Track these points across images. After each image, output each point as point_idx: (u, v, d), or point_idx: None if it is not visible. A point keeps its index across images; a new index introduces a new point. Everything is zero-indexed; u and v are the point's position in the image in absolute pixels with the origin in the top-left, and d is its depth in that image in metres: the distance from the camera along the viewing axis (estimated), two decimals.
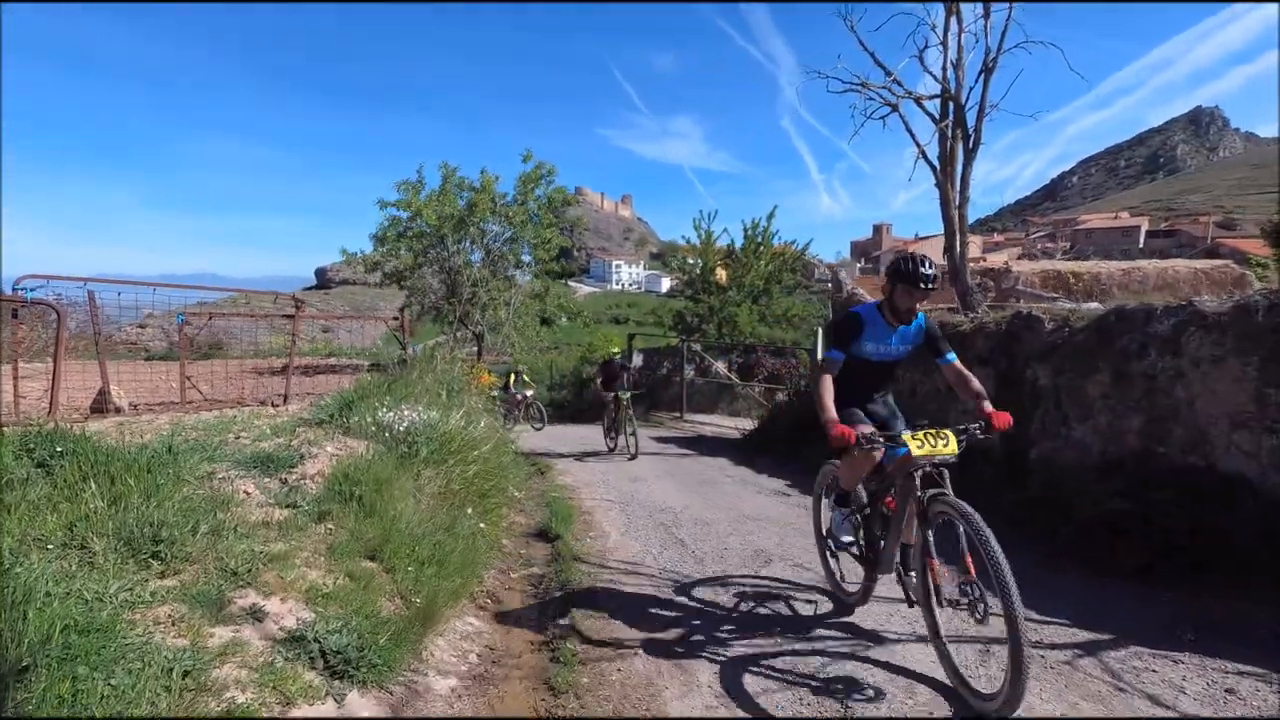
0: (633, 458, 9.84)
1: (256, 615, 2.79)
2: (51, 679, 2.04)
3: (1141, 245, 64.26)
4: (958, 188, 10.82)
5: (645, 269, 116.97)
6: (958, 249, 10.97)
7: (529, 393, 15.95)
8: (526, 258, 20.48)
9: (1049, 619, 3.81)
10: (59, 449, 3.43)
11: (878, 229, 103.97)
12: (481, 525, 4.70)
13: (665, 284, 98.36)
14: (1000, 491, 6.60)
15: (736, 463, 10.46)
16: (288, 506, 3.68)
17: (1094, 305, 7.62)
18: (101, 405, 6.05)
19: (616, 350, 12.16)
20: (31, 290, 5.56)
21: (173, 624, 2.58)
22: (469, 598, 4.03)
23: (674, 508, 7.01)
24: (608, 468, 9.92)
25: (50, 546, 2.82)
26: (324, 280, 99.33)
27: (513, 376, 16.04)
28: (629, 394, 10.31)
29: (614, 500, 7.48)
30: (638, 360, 16.29)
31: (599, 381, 11.00)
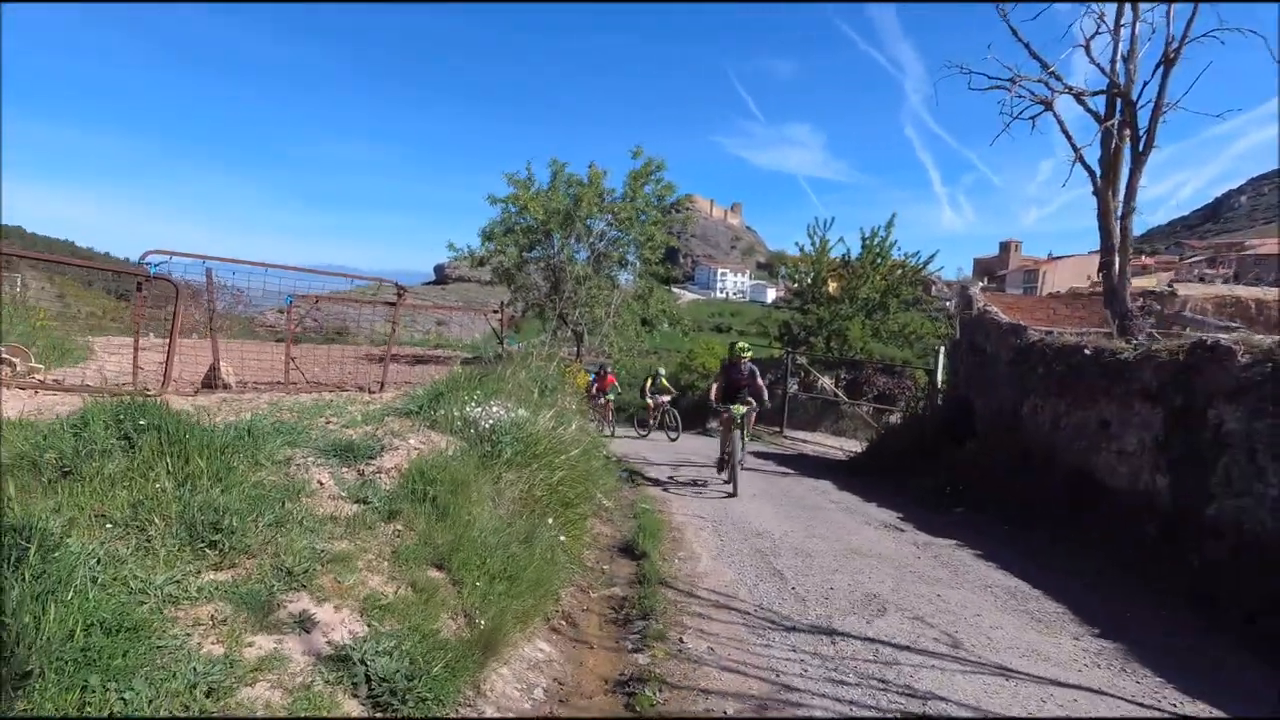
0: (732, 495, 7.97)
1: (304, 624, 2.50)
2: (59, 687, 1.79)
3: None
4: (1121, 196, 9.48)
5: (751, 278, 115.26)
6: (1116, 266, 9.61)
7: (665, 399, 14.44)
8: (631, 257, 20.20)
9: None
10: (142, 422, 3.34)
11: (1004, 246, 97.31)
12: (562, 538, 4.32)
13: (771, 294, 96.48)
14: (1160, 558, 5.53)
15: (840, 487, 9.64)
16: (358, 501, 3.44)
17: None
18: (211, 381, 6.21)
19: (746, 348, 8.73)
20: (155, 266, 5.75)
21: (213, 626, 2.33)
22: (542, 617, 3.64)
23: (772, 533, 6.40)
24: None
25: (111, 525, 2.66)
26: (442, 276, 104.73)
27: (649, 380, 14.90)
28: (744, 410, 8.13)
29: (706, 518, 6.95)
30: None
31: (715, 388, 8.65)
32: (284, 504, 3.16)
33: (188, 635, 2.23)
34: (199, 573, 2.58)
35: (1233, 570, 4.88)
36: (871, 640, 3.82)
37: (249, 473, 3.34)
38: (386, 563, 3.06)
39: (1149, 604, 4.76)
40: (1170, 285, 13.38)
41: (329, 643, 2.48)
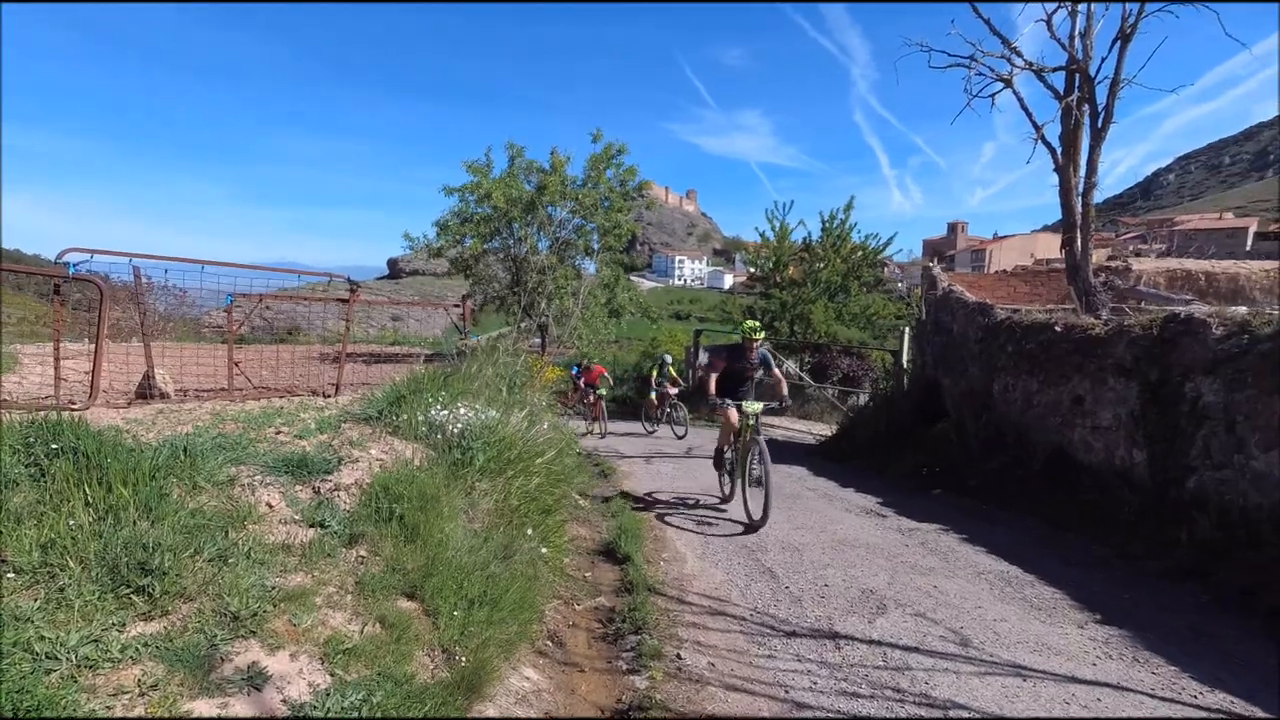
0: (751, 527, 5.89)
1: (254, 680, 2.13)
2: None
3: (1249, 248, 58.79)
4: (1082, 173, 9.51)
5: (708, 265, 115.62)
6: (1079, 242, 9.66)
7: (673, 390, 13.04)
8: (596, 245, 19.75)
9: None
10: (55, 445, 2.89)
11: (952, 227, 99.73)
12: (544, 550, 3.99)
13: (728, 280, 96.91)
14: (1143, 534, 5.50)
15: (815, 473, 9.54)
16: (315, 525, 3.05)
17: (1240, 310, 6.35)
18: (146, 390, 5.66)
19: (757, 327, 6.64)
20: (75, 265, 5.17)
21: (141, 694, 1.94)
22: (527, 641, 3.32)
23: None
24: (675, 472, 9.14)
25: (14, 573, 2.24)
26: (395, 270, 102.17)
27: (655, 368, 13.61)
28: (758, 409, 6.22)
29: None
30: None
31: (713, 379, 6.49)
32: (227, 533, 2.77)
33: (108, 710, 1.85)
34: (124, 626, 2.18)
35: (1224, 544, 4.84)
36: (877, 643, 3.61)
37: (185, 499, 2.92)
38: (350, 596, 2.70)
39: (1142, 584, 4.68)
40: (1124, 260, 13.64)
41: (285, 700, 2.12)
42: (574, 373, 13.73)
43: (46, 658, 1.94)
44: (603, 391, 13.28)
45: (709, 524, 6.21)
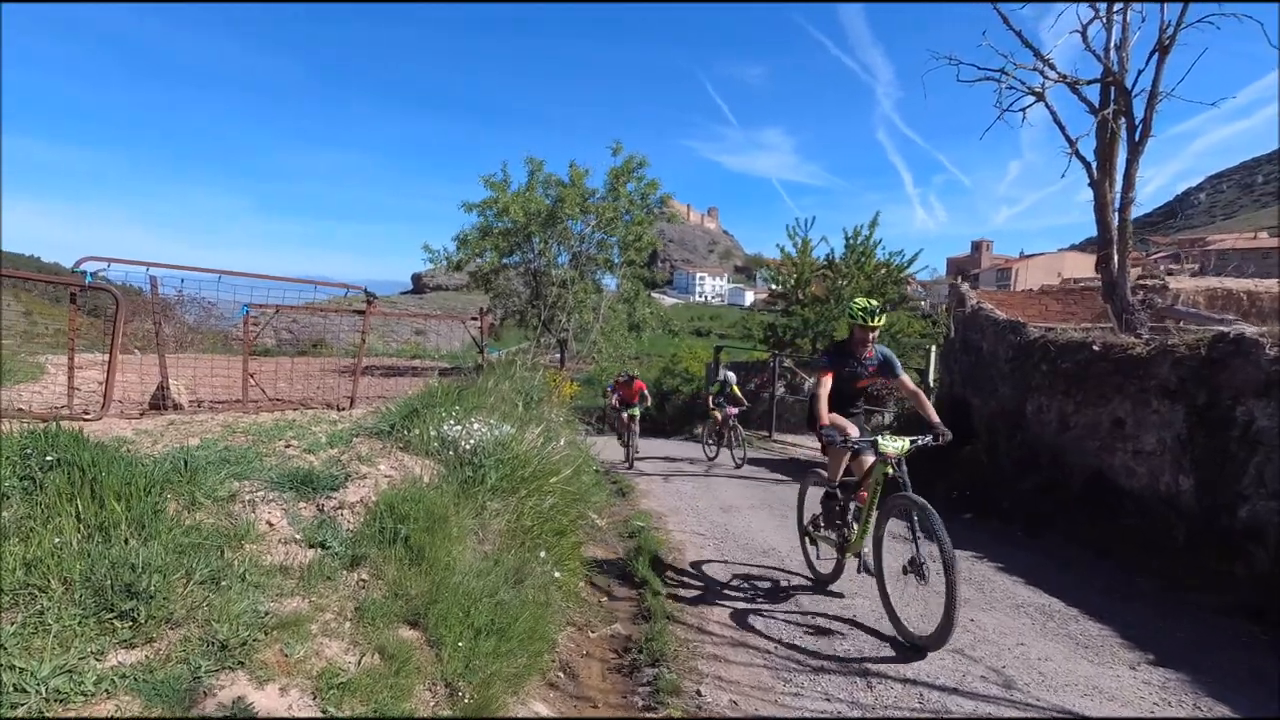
0: (912, 649, 3.75)
1: (239, 717, 1.97)
2: None
3: None
4: (1118, 188, 9.20)
5: (729, 282, 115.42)
6: (1115, 259, 9.33)
7: (734, 411, 11.52)
8: (617, 259, 19.60)
9: None
10: (50, 457, 2.77)
11: (976, 246, 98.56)
12: (557, 574, 3.80)
13: (749, 297, 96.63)
14: (1193, 566, 5.16)
15: None
16: (316, 545, 2.89)
17: None
18: (160, 401, 5.60)
19: (874, 310, 4.53)
20: (91, 274, 5.14)
21: None
22: (538, 672, 3.12)
23: (778, 549, 5.93)
24: (695, 490, 8.91)
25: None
26: (419, 285, 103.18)
27: (716, 386, 12.04)
28: (901, 445, 4.11)
29: (705, 535, 6.47)
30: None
31: (825, 392, 4.40)
32: (223, 553, 2.62)
33: None
34: (103, 654, 2.03)
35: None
36: (913, 682, 3.36)
37: (182, 515, 2.79)
38: (348, 623, 2.53)
39: (1195, 619, 4.36)
40: (1161, 278, 13.21)
41: None
42: (610, 389, 12.50)
43: (14, 690, 1.79)
44: (636, 411, 11.50)
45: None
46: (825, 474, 4.76)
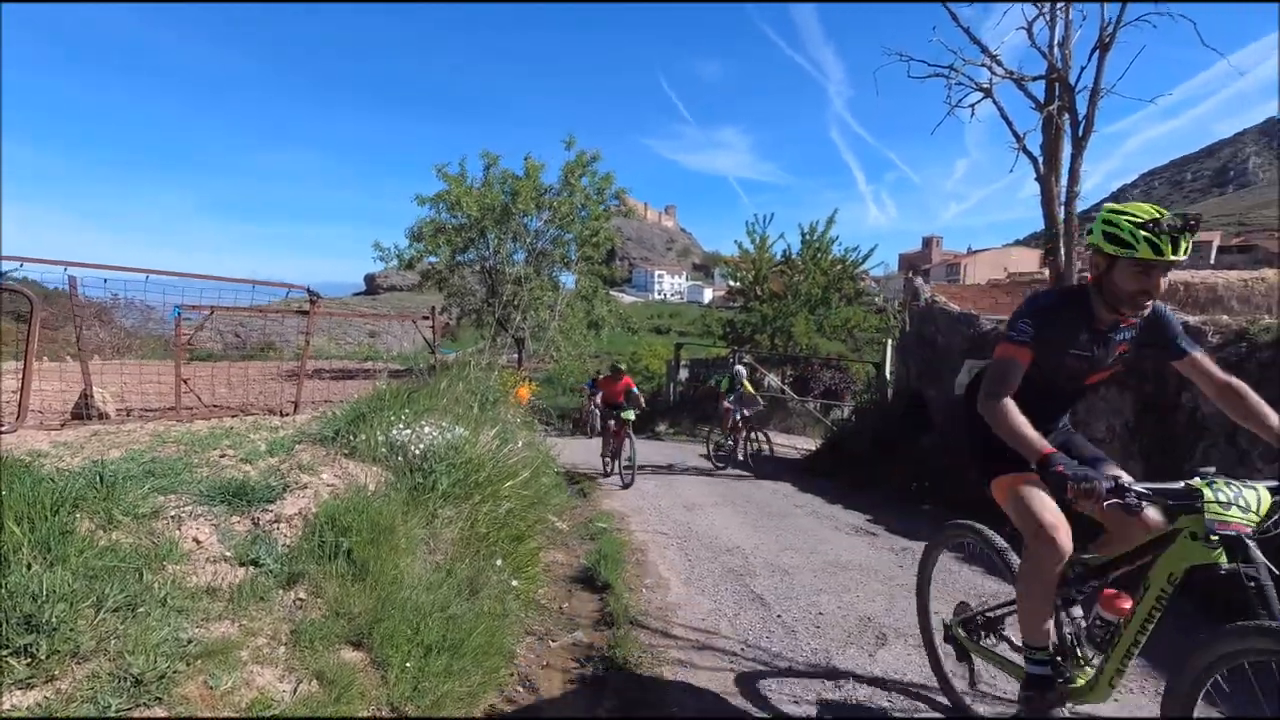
0: None
1: None
2: None
3: (1214, 260, 60.21)
4: (1064, 182, 9.44)
5: (688, 279, 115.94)
6: (1062, 251, 9.57)
7: (746, 412, 10.15)
8: (574, 255, 19.38)
9: None
10: None
11: (927, 241, 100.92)
12: (514, 582, 3.63)
13: (708, 294, 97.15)
14: None
15: (802, 489, 9.26)
16: (248, 563, 2.67)
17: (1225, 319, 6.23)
18: (83, 410, 5.22)
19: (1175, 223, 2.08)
20: (4, 274, 4.74)
21: None
22: (495, 688, 2.96)
23: (742, 548, 5.87)
24: (658, 490, 8.79)
25: None
26: (373, 286, 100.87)
27: (728, 379, 10.60)
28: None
29: (669, 534, 6.37)
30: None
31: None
32: (141, 576, 2.38)
33: None
34: None
35: None
36: (880, 680, 3.30)
37: (96, 535, 2.53)
38: (283, 648, 2.33)
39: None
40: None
41: None
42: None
43: None
44: (630, 415, 9.05)
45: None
46: (989, 537, 3.00)
